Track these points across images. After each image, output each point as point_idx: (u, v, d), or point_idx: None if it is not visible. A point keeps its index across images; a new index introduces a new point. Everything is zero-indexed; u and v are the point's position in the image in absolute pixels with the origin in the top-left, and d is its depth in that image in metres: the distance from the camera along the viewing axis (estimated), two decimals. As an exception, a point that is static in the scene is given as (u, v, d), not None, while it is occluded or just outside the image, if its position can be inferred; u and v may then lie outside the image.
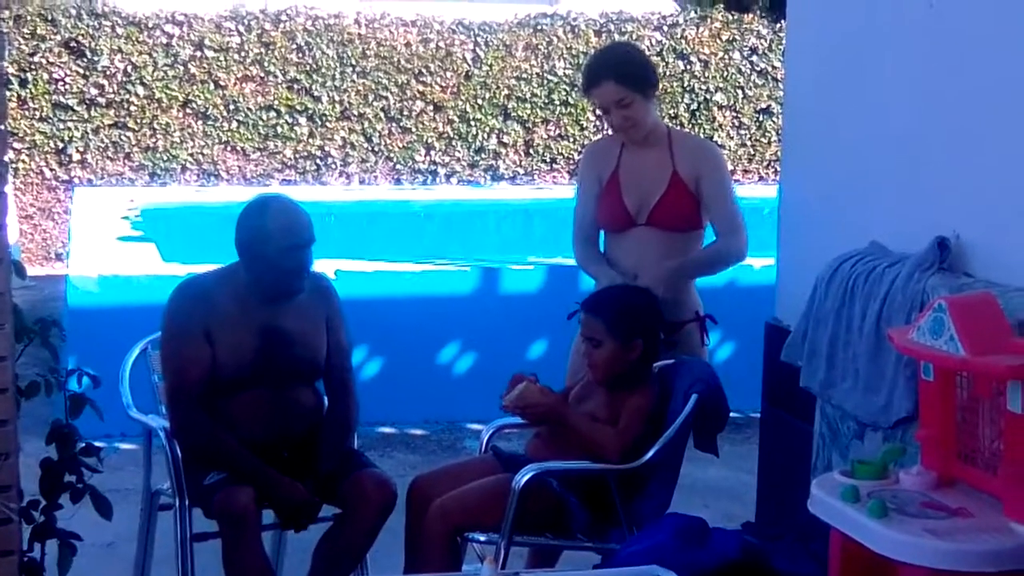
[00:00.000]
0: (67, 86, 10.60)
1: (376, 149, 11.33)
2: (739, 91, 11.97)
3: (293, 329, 4.10)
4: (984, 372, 3.02)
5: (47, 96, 10.58)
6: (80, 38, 10.58)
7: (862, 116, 4.23)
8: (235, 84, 10.95)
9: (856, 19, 4.31)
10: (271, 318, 4.07)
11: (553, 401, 4.06)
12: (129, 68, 10.70)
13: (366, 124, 11.27)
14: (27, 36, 10.47)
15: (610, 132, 4.68)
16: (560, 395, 4.17)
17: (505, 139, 11.57)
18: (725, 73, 11.92)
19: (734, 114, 12.00)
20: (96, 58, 10.62)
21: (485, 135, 11.52)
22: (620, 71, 4.43)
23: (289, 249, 4.02)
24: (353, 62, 11.18)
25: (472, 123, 11.48)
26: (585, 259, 4.62)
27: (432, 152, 11.44)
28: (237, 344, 4.02)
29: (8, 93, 8.93)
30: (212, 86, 10.91)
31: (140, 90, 10.74)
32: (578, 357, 4.49)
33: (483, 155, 11.55)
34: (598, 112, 11.53)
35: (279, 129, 11.08)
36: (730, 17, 12.05)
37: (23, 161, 10.54)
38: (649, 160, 4.49)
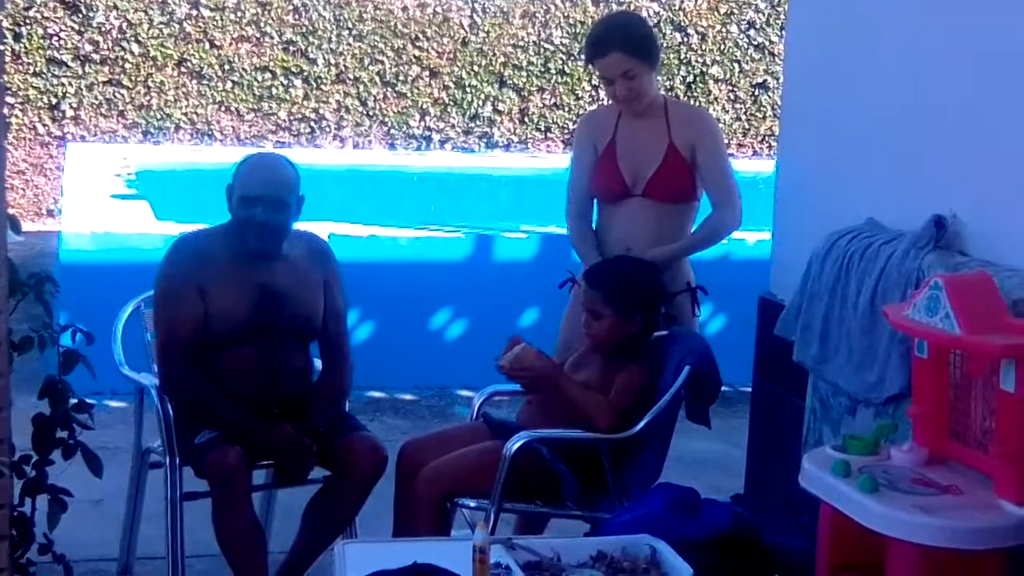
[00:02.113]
0: (62, 41, 10.54)
1: (371, 113, 11.30)
2: (736, 65, 11.95)
3: (287, 289, 4.09)
4: (978, 350, 3.03)
5: (41, 51, 10.52)
6: (76, -7, 10.52)
7: (862, 93, 4.22)
8: (231, 44, 10.90)
9: (859, -5, 4.30)
10: (266, 277, 4.07)
11: (548, 366, 4.06)
12: (124, 25, 10.64)
13: (361, 88, 11.23)
14: (22, -10, 10.41)
15: (607, 102, 4.67)
16: (555, 361, 4.17)
17: (500, 107, 11.54)
18: (722, 46, 11.89)
19: (730, 88, 11.98)
20: (91, 14, 10.56)
21: (480, 102, 11.49)
22: (628, 42, 4.39)
23: (244, 199, 4.02)
24: (350, 25, 11.14)
25: (468, 90, 11.44)
26: (577, 236, 4.59)
27: (427, 118, 11.41)
28: (231, 301, 4.02)
29: (2, 47, 8.91)
30: (207, 45, 10.85)
31: (135, 47, 10.68)
32: (568, 328, 4.49)
33: (478, 122, 11.52)
34: (595, 82, 11.54)
35: (274, 90, 11.04)
36: (729, -10, 12.02)
37: (16, 116, 10.48)
38: (646, 130, 4.47)
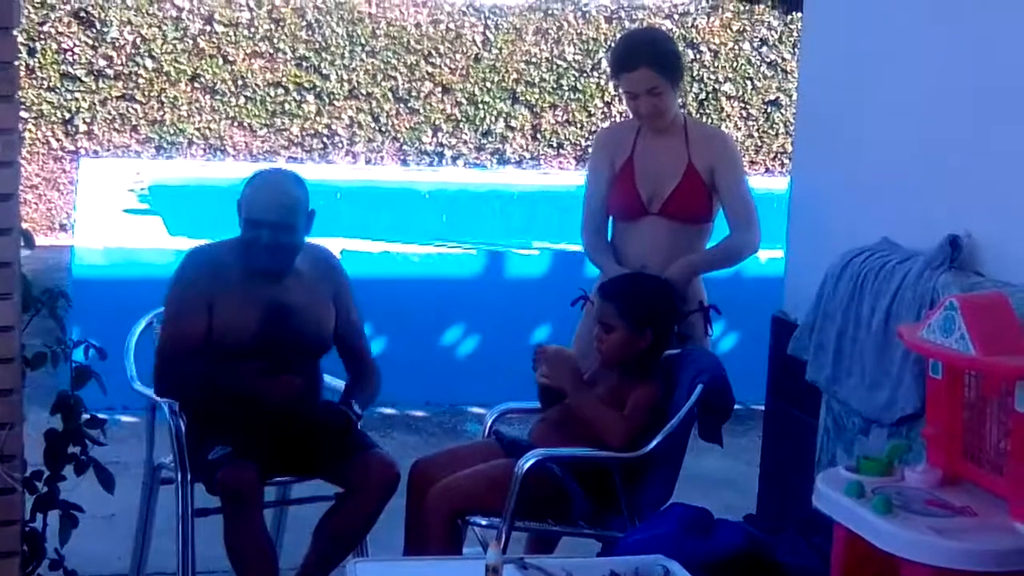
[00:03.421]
0: (76, 56, 10.58)
1: (383, 129, 11.32)
2: (748, 82, 11.96)
3: (297, 304, 4.09)
4: (994, 372, 3.01)
5: (55, 66, 10.56)
6: (90, 8, 10.55)
7: (876, 111, 4.22)
8: (244, 60, 10.93)
9: (873, 13, 4.30)
10: (276, 292, 4.07)
11: (577, 372, 4.06)
12: (138, 40, 10.68)
13: (374, 104, 11.25)
14: (37, 5, 10.43)
15: (621, 118, 4.67)
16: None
17: (512, 123, 11.55)
18: (735, 64, 11.90)
19: (742, 105, 11.99)
20: (105, 29, 10.60)
21: (493, 118, 11.50)
22: (658, 59, 4.39)
23: (248, 222, 4.04)
24: (363, 41, 11.17)
25: (480, 106, 11.46)
26: (594, 249, 4.57)
27: (439, 134, 11.43)
28: (240, 315, 4.02)
29: (16, 62, 8.90)
30: (221, 61, 10.89)
31: (149, 63, 10.72)
32: (580, 345, 4.48)
33: (490, 138, 11.53)
34: (607, 98, 11.57)
35: (287, 106, 11.07)
36: (741, 8, 12.03)
37: (29, 131, 10.51)
38: (664, 148, 4.46)
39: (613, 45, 5.00)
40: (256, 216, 4.02)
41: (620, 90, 4.57)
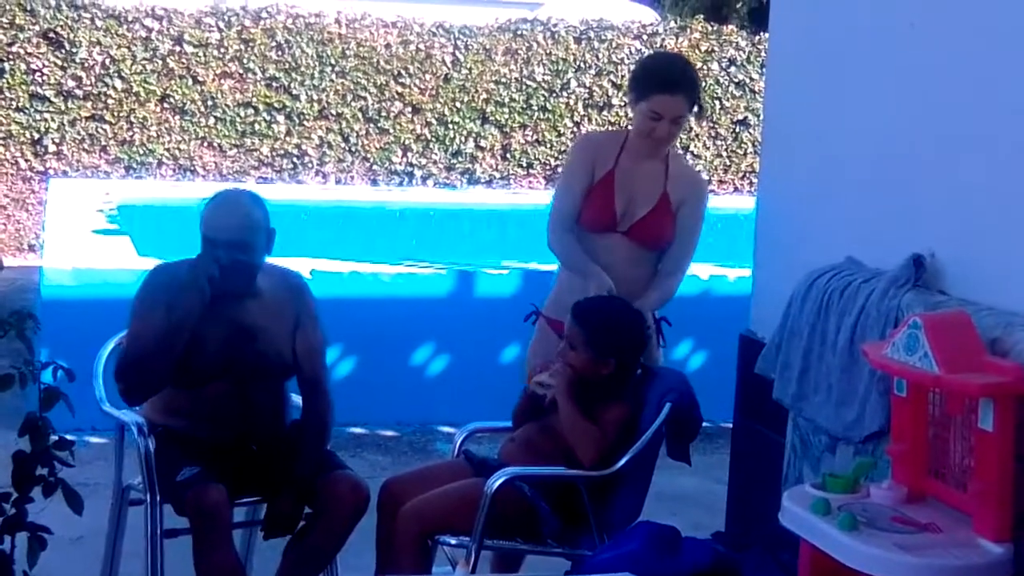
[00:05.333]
0: (45, 77, 10.56)
1: (353, 149, 11.33)
2: (716, 102, 12.02)
3: (258, 325, 4.07)
4: (957, 389, 3.05)
5: (24, 86, 10.54)
6: (59, 29, 10.55)
7: (841, 131, 4.25)
8: (214, 80, 10.93)
9: (838, 35, 4.33)
10: (236, 312, 4.04)
11: (573, 385, 4.08)
12: (107, 61, 10.68)
13: (344, 124, 11.27)
14: (5, 25, 10.43)
15: (603, 128, 4.66)
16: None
17: (482, 143, 11.58)
18: (703, 83, 11.95)
19: (711, 124, 12.04)
20: (75, 50, 10.59)
21: (462, 138, 11.53)
22: (693, 90, 4.42)
23: (207, 241, 4.03)
24: (332, 61, 11.18)
25: (450, 126, 11.48)
26: (573, 253, 4.45)
27: (409, 154, 11.45)
28: (200, 335, 4.01)
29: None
30: (190, 81, 10.88)
31: (118, 83, 10.71)
32: (534, 361, 4.45)
33: (460, 158, 11.56)
34: (576, 119, 11.60)
35: (256, 126, 11.07)
36: (709, 28, 12.11)
37: (-2, 151, 10.51)
38: (644, 172, 4.46)
39: (647, 62, 4.87)
40: (213, 235, 4.01)
41: (640, 106, 4.38)
